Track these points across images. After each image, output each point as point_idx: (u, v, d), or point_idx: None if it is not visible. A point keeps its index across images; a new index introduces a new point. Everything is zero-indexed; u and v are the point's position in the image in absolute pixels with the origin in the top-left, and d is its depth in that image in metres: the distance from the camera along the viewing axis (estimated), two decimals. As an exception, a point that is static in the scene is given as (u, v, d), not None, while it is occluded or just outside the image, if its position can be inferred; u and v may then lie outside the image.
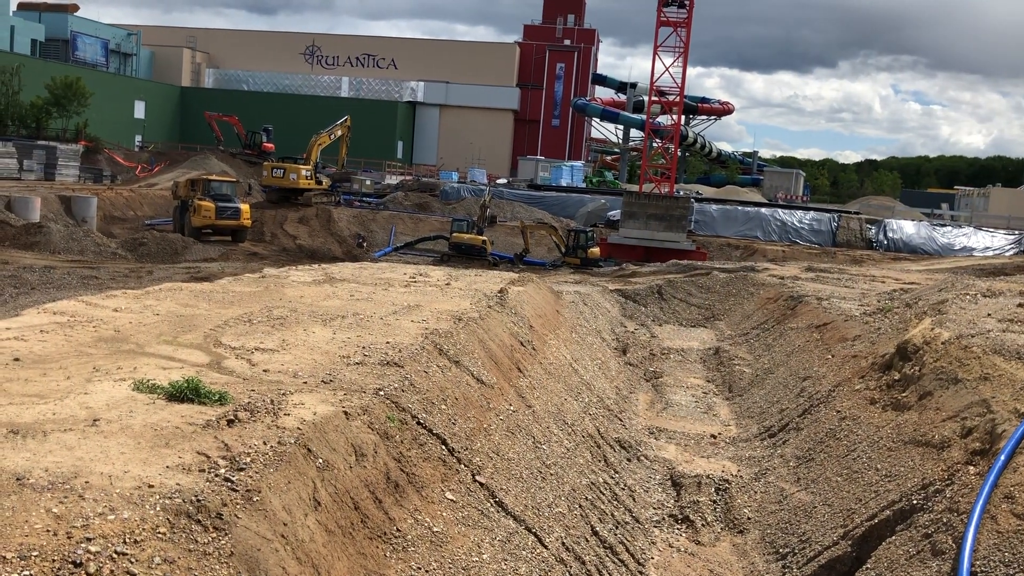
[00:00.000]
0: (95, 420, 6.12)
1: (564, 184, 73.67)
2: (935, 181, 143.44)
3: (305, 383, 8.00)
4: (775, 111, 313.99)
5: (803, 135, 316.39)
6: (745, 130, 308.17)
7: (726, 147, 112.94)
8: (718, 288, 27.56)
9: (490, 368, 11.05)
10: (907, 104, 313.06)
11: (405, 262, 37.06)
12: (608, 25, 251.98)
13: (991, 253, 51.08)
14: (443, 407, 8.73)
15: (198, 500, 4.95)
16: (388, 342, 10.17)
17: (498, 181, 75.00)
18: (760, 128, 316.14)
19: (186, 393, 6.79)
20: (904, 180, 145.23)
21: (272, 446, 5.97)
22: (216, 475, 5.35)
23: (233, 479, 5.35)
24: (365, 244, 44.94)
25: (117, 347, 8.68)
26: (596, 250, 41.72)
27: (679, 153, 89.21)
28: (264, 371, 8.33)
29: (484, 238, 40.52)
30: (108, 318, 10.21)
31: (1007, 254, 50.17)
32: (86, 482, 4.95)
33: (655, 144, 61.25)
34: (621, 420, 14.12)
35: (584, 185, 76.41)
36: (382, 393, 7.98)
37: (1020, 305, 13.49)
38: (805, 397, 13.89)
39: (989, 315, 12.70)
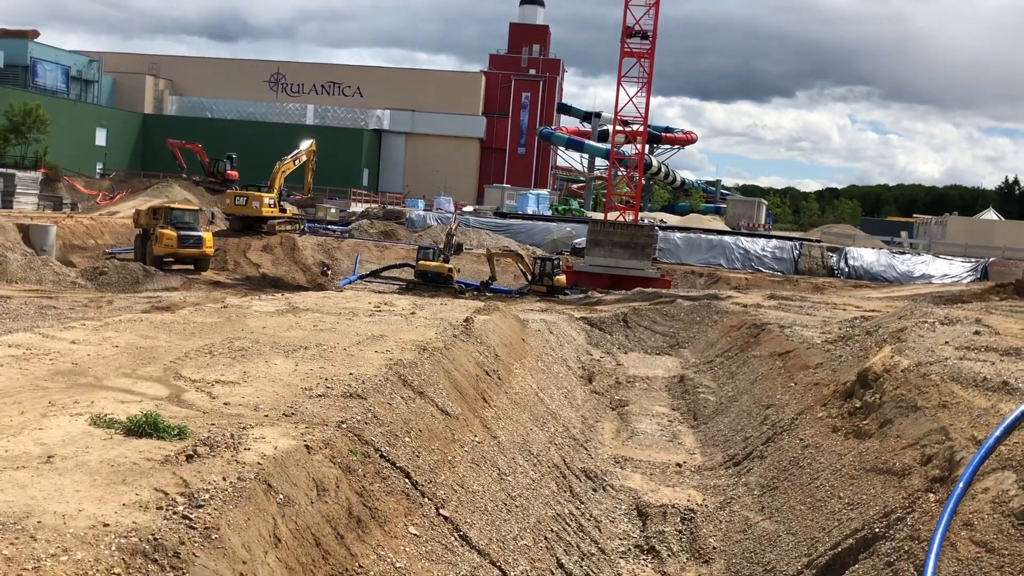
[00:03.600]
0: (49, 457, 5.99)
1: (530, 212, 73.96)
2: (894, 209, 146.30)
3: (266, 416, 7.91)
4: (736, 140, 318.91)
5: (764, 163, 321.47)
6: (707, 158, 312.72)
7: (689, 176, 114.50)
8: (682, 316, 27.73)
9: (455, 399, 11.01)
10: (864, 133, 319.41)
11: (370, 291, 36.83)
12: (572, 55, 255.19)
13: (949, 280, 52.08)
14: (407, 439, 8.67)
15: (155, 539, 4.85)
16: (352, 373, 10.10)
17: (464, 209, 75.13)
18: (722, 157, 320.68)
19: (144, 428, 6.68)
20: (864, 208, 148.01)
21: (232, 482, 5.89)
22: (174, 512, 5.26)
23: (191, 516, 5.26)
24: (330, 272, 44.66)
25: (74, 380, 8.52)
26: (562, 278, 41.83)
27: (643, 182, 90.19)
28: (225, 404, 8.23)
29: (450, 266, 40.46)
30: (66, 350, 10.03)
31: (964, 281, 51.19)
32: (38, 522, 4.83)
33: (620, 173, 61.87)
34: (587, 449, 14.10)
35: (550, 213, 76.77)
36: (345, 426, 7.92)
37: (976, 333, 13.76)
38: (769, 425, 13.99)
39: (947, 343, 12.94)
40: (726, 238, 58.34)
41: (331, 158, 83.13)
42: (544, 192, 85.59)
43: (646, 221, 65.32)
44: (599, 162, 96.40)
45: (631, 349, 25.27)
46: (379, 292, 34.46)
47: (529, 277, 42.13)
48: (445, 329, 14.99)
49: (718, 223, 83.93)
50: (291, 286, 38.54)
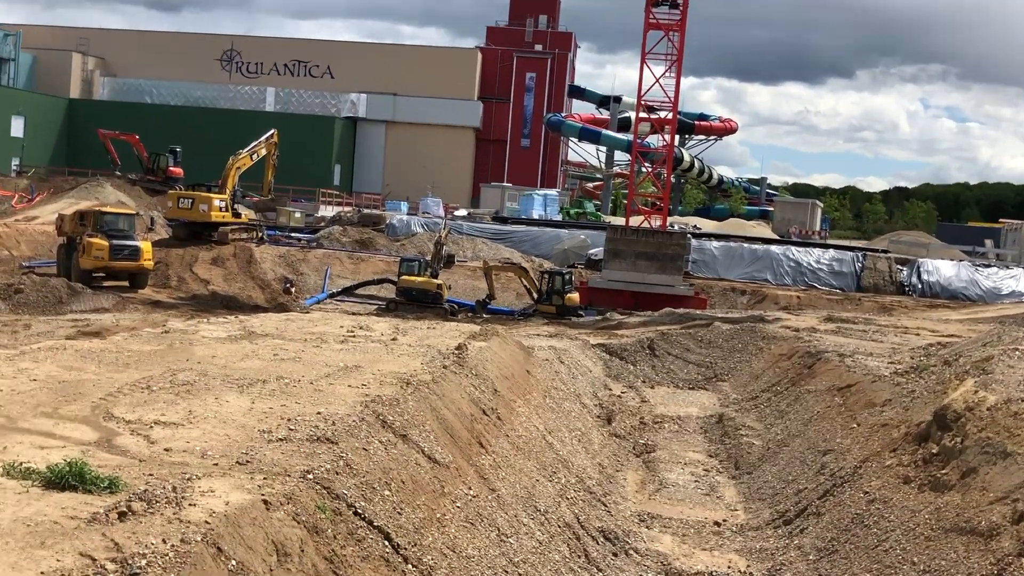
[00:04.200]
0: (-48, 515, 5.98)
1: (536, 216, 74.10)
2: (976, 213, 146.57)
3: (216, 465, 7.91)
4: (784, 129, 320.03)
5: (818, 158, 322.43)
6: (750, 152, 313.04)
7: (728, 173, 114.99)
8: (721, 342, 27.77)
9: (445, 443, 11.01)
10: (939, 121, 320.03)
11: (343, 312, 36.92)
12: (586, 28, 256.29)
13: (1044, 298, 52.12)
14: (386, 493, 8.66)
15: (80, 615, 4.84)
16: (319, 413, 10.12)
17: (456, 213, 75.27)
18: (767, 150, 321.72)
19: (68, 479, 6.67)
20: (940, 211, 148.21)
21: (173, 545, 5.88)
22: (103, 583, 5.25)
23: (124, 588, 5.25)
24: (294, 290, 44.71)
25: (-18, 422, 8.52)
26: (575, 296, 41.92)
27: (673, 180, 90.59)
28: (166, 450, 8.23)
29: (439, 282, 40.53)
30: (-28, 385, 10.04)
31: (1063, 300, 51.20)
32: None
33: (644, 169, 62.07)
34: (605, 505, 14.08)
35: (560, 218, 76.90)
36: (311, 477, 7.91)
37: (1078, 362, 13.76)
38: (826, 475, 13.97)
39: (1042, 374, 12.93)
40: (773, 248, 58.48)
41: (296, 152, 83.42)
42: (553, 193, 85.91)
43: (676, 227, 65.40)
44: (619, 156, 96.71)
45: (659, 382, 25.25)
46: (353, 314, 34.54)
47: (535, 295, 42.22)
48: (433, 359, 14.99)
49: (763, 230, 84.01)
50: (247, 306, 38.58)
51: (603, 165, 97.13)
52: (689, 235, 55.55)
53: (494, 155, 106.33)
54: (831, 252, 58.70)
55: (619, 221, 68.20)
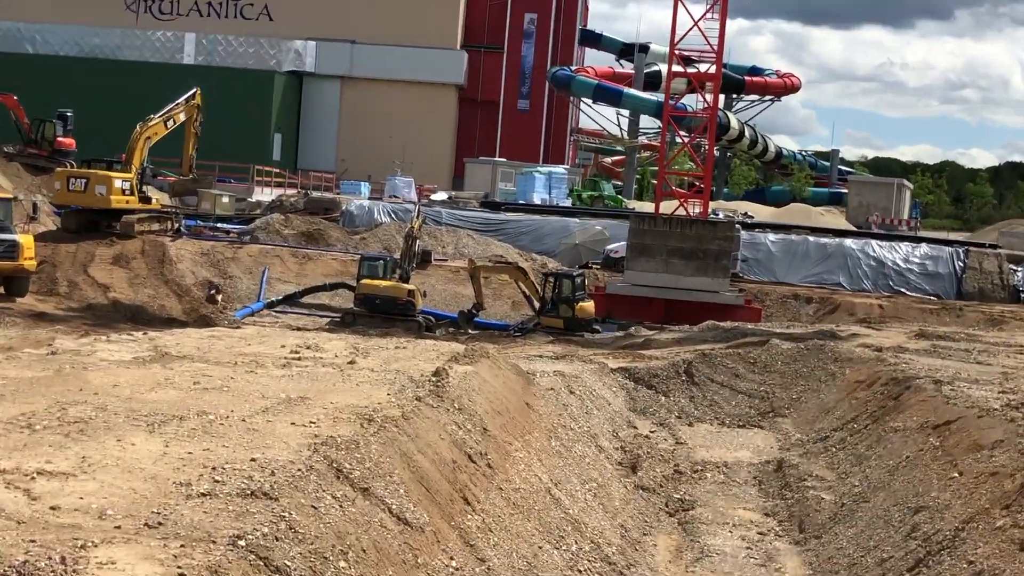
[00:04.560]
0: None
1: (538, 202, 74.14)
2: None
3: (118, 528, 7.87)
4: (861, 87, 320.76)
5: (906, 125, 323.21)
6: (816, 117, 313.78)
7: (789, 144, 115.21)
8: (780, 366, 27.81)
9: (419, 499, 11.01)
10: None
11: (285, 326, 36.87)
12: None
13: None
14: (342, 565, 8.63)
15: None
16: (254, 459, 10.11)
17: (434, 197, 75.29)
18: (840, 114, 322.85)
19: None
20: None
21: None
22: None
23: None
24: (220, 298, 44.61)
25: None
26: (589, 305, 41.94)
27: (717, 153, 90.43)
28: (52, 509, 8.18)
29: (411, 287, 40.54)
30: None
31: None
32: None
33: (679, 139, 62.13)
34: (629, 579, 14.06)
35: (569, 203, 76.97)
36: (243, 544, 7.88)
37: None
38: (919, 539, 13.96)
39: None
40: (848, 242, 58.57)
41: (225, 118, 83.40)
42: (560, 170, 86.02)
43: (721, 216, 65.43)
44: (645, 122, 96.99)
45: (699, 418, 25.25)
46: (298, 329, 34.44)
47: (536, 304, 42.23)
48: (403, 388, 14.95)
49: (835, 218, 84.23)
50: (159, 320, 38.55)
51: (625, 134, 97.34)
52: (738, 226, 55.56)
53: (483, 121, 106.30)
54: (923, 248, 58.76)
55: (646, 208, 68.15)
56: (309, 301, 45.40)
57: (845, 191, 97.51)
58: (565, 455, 17.65)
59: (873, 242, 58.91)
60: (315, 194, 70.49)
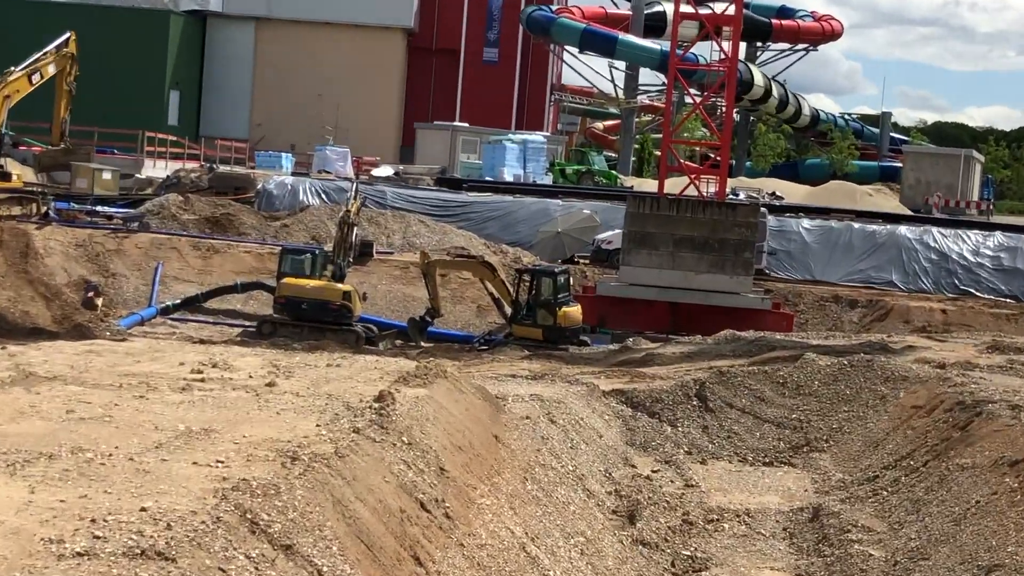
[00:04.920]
0: None
1: (510, 179, 73.98)
2: None
3: (-30, 599, 7.82)
4: (919, 34, 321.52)
5: (976, 81, 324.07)
6: (861, 70, 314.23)
7: (828, 106, 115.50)
8: (817, 387, 27.87)
9: (358, 559, 11.00)
10: None
11: (183, 339, 36.69)
12: None
13: None
14: (259, 643, 8.60)
15: None
16: (145, 509, 10.05)
17: (376, 172, 75.05)
18: (892, 68, 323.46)
19: None
20: None
21: None
22: None
23: None
24: (101, 301, 44.38)
25: None
26: (575, 311, 41.93)
27: (737, 117, 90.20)
28: None
29: (348, 287, 40.44)
30: None
31: None
32: None
33: (689, 100, 62.15)
34: (626, 660, 14.06)
35: (550, 180, 76.86)
36: (132, 618, 7.84)
37: None
38: (993, 607, 14.00)
39: None
40: (903, 230, 58.71)
41: (107, 71, 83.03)
42: (537, 138, 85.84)
43: (743, 196, 65.39)
44: (647, 77, 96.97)
45: (714, 454, 25.31)
46: (201, 342, 34.28)
47: (508, 309, 42.20)
48: (337, 417, 14.92)
49: (886, 199, 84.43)
50: (21, 329, 38.25)
51: (620, 93, 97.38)
52: (764, 209, 55.58)
53: (439, 76, 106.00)
54: (998, 236, 58.93)
55: (648, 186, 68.18)
56: (216, 306, 45.21)
57: (899, 165, 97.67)
58: (544, 502, 17.63)
59: (934, 230, 59.00)
60: (223, 169, 69.97)
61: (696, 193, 49.56)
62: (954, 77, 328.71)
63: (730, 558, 18.92)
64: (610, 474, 21.82)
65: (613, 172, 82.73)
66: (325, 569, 10.30)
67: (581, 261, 55.32)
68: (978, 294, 54.88)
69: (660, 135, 68.09)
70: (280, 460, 12.18)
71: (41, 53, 52.38)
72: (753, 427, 26.63)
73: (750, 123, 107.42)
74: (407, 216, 58.04)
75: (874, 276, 55.94)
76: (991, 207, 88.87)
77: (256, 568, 9.48)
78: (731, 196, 56.96)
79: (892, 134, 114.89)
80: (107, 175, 63.49)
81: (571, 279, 44.44)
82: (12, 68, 50.85)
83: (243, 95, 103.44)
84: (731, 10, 51.26)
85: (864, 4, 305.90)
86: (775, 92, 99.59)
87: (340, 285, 40.33)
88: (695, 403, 27.24)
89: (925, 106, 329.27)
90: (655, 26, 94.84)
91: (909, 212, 74.54)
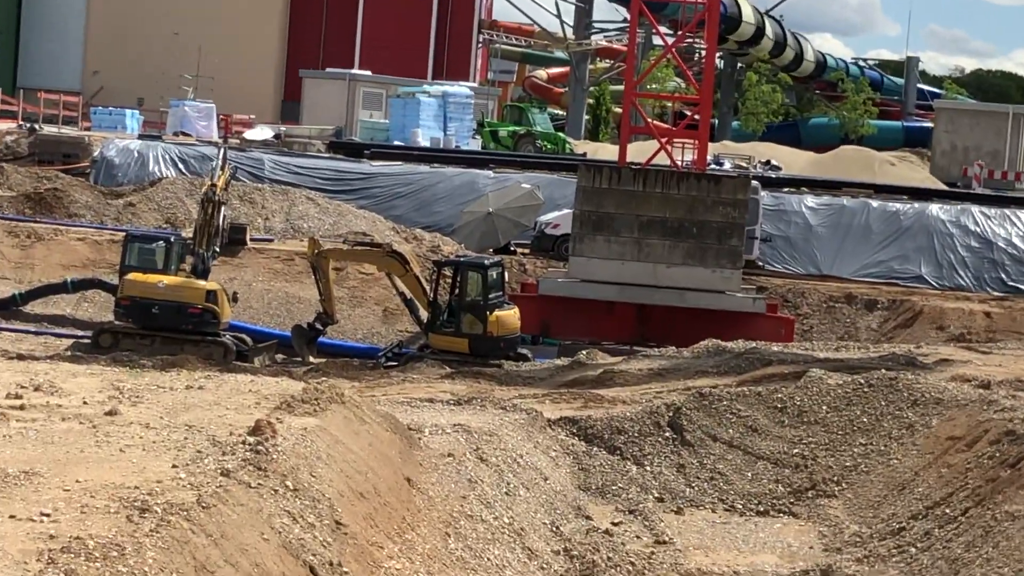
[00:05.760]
0: None
1: (425, 143, 73.92)
2: None
3: None
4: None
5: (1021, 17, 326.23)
6: (880, 5, 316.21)
7: (837, 49, 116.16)
8: (825, 413, 27.87)
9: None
10: None
11: (-2, 353, 36.41)
12: None
13: None
14: None
15: None
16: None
17: (250, 135, 74.85)
18: (918, 1, 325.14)
19: None
20: None
21: None
22: None
23: None
24: None
25: None
26: (511, 315, 41.99)
27: (720, 64, 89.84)
28: None
29: (213, 285, 40.32)
30: None
31: None
32: None
33: (658, 41, 62.29)
34: None
35: (478, 145, 76.80)
36: None
37: None
38: None
39: None
40: (934, 209, 59.04)
41: None
42: (462, 90, 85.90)
43: (728, 166, 65.60)
44: (602, 11, 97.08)
45: (693, 500, 25.32)
46: (20, 357, 33.98)
47: (423, 314, 42.23)
48: (200, 456, 14.84)
49: (912, 170, 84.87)
50: None
51: (570, 32, 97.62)
52: (756, 183, 55.72)
53: (332, 10, 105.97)
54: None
55: (605, 153, 68.26)
56: (39, 311, 44.98)
57: (929, 125, 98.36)
58: (472, 564, 17.64)
59: (974, 209, 59.39)
60: (48, 129, 69.70)
61: (668, 162, 49.75)
62: (998, 12, 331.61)
63: (714, 637, 18.98)
64: (558, 528, 21.79)
65: (560, 135, 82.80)
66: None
67: (519, 250, 55.40)
68: (1027, 291, 55.24)
69: (621, 87, 68.32)
70: (125, 512, 12.07)
71: None
72: (743, 466, 26.60)
73: (738, 71, 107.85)
74: (291, 192, 57.92)
75: (898, 269, 56.25)
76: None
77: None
78: (713, 166, 57.22)
79: (920, 86, 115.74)
80: None
81: (506, 274, 44.46)
82: None
83: (74, 35, 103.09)
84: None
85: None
86: (769, 31, 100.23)
87: (203, 283, 40.19)
88: (668, 435, 27.19)
89: (961, 50, 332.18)
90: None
91: (942, 186, 74.96)
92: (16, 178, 56.71)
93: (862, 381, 28.93)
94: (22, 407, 17.42)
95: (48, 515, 11.95)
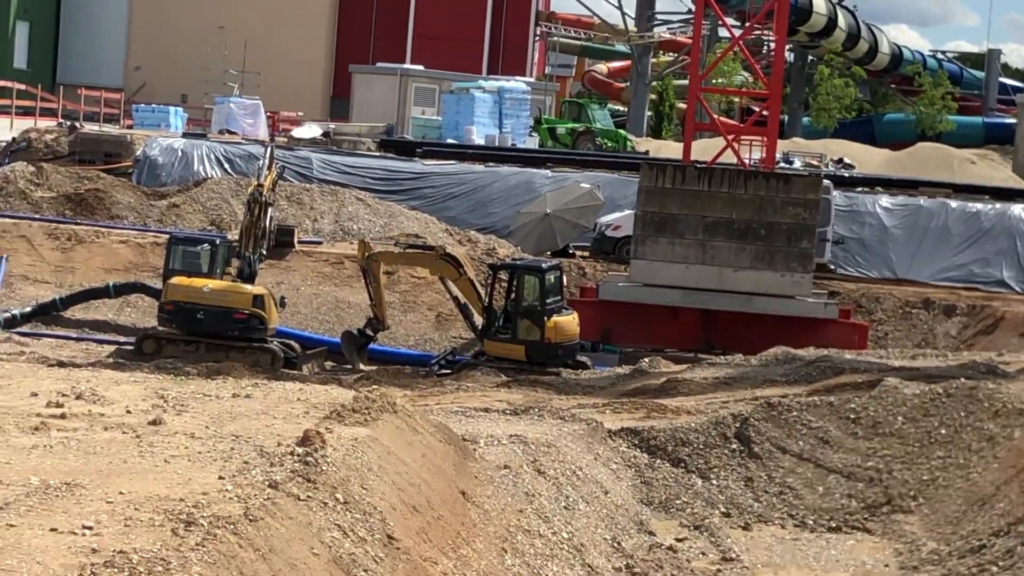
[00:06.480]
0: None
1: (480, 141, 73.81)
2: None
3: None
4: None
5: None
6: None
7: (913, 40, 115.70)
8: (900, 425, 27.74)
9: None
10: None
11: (36, 360, 36.56)
12: None
13: None
14: None
15: None
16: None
17: (297, 133, 74.90)
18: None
19: None
20: None
21: None
22: None
23: None
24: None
25: None
26: (569, 321, 41.91)
27: (790, 57, 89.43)
28: None
29: (260, 290, 40.36)
30: None
31: None
32: None
33: (724, 33, 62.17)
34: None
35: (536, 143, 76.74)
36: None
37: None
38: None
39: None
40: (1015, 209, 58.63)
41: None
42: (519, 86, 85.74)
43: (798, 164, 65.35)
44: (666, 1, 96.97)
45: (761, 516, 25.26)
46: (61, 364, 34.09)
47: (478, 320, 42.17)
48: (247, 467, 14.88)
49: (994, 169, 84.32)
50: None
51: (631, 24, 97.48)
52: (828, 183, 55.49)
53: (382, 4, 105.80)
54: None
55: (669, 151, 68.17)
56: (80, 316, 45.08)
57: (1012, 121, 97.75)
58: (529, 579, 17.62)
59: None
60: (89, 128, 69.79)
61: (735, 160, 49.62)
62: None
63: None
64: (619, 544, 21.77)
65: (621, 132, 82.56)
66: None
67: (578, 253, 55.31)
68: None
69: (685, 82, 68.18)
70: (170, 525, 12.08)
71: None
72: (814, 479, 26.51)
73: (808, 65, 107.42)
74: (340, 192, 57.87)
75: (978, 273, 55.92)
76: None
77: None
78: (783, 164, 57.02)
79: (1001, 79, 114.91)
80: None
81: (564, 278, 44.39)
82: None
83: (116, 28, 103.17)
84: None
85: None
86: (842, 22, 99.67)
87: (249, 287, 40.22)
88: (735, 446, 27.13)
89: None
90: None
91: (1028, 186, 74.53)
92: (56, 178, 56.79)
93: (940, 391, 28.74)
94: (63, 416, 17.46)
95: (90, 528, 11.95)
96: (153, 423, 17.33)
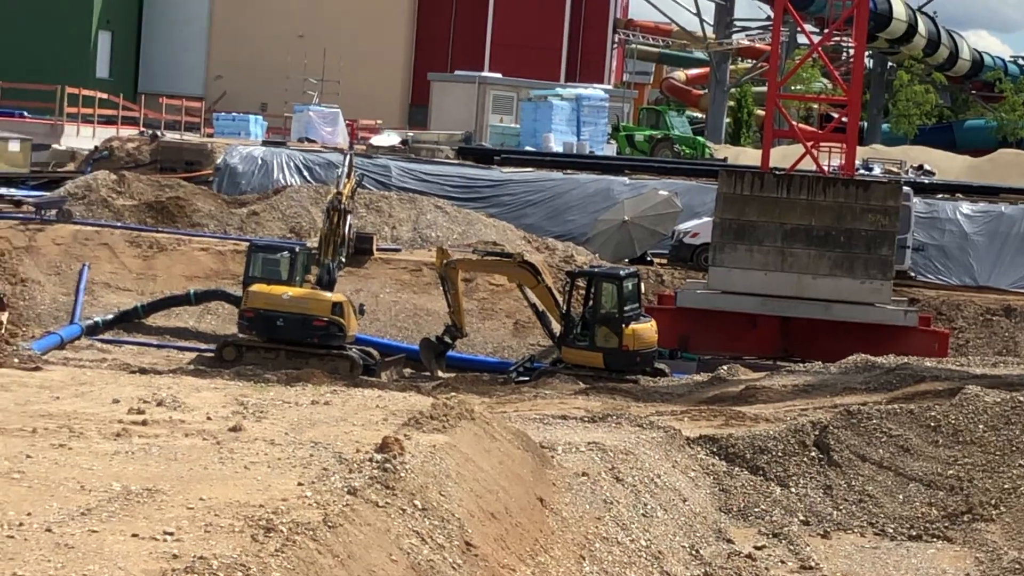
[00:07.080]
0: None
1: (558, 149, 73.71)
2: None
3: None
4: None
5: None
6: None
7: (994, 46, 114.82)
8: (982, 432, 27.57)
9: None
10: None
11: (118, 367, 36.75)
12: None
13: None
14: None
15: None
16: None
17: (376, 141, 74.96)
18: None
19: None
20: None
21: None
22: None
23: None
24: (6, 316, 44.66)
25: None
26: (648, 328, 41.83)
27: (870, 63, 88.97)
28: None
29: (339, 297, 40.43)
30: None
31: None
32: None
33: (803, 40, 61.92)
34: None
35: (613, 150, 76.57)
36: None
37: None
38: None
39: None
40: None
41: (11, 6, 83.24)
42: (596, 93, 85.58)
43: (878, 171, 64.98)
44: (744, 8, 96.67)
45: (841, 524, 25.15)
46: (143, 371, 34.23)
47: (556, 327, 42.13)
48: (326, 473, 14.90)
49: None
50: None
51: (710, 31, 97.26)
52: (908, 189, 55.21)
53: (462, 11, 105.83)
54: None
55: (747, 158, 67.99)
56: (161, 323, 45.22)
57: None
58: (607, 589, 17.59)
59: None
60: (170, 137, 70.03)
61: (814, 167, 49.41)
62: None
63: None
64: (698, 551, 21.74)
65: (699, 139, 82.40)
66: None
67: (656, 260, 55.19)
68: None
69: (764, 88, 67.95)
70: (250, 531, 12.15)
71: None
72: (894, 488, 26.38)
73: (888, 71, 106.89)
74: (419, 200, 57.89)
75: (1061, 281, 55.59)
76: None
77: None
78: (862, 171, 56.74)
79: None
80: (14, 146, 63.69)
81: (642, 285, 44.29)
82: None
83: (197, 38, 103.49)
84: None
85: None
86: (922, 28, 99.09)
87: (328, 294, 40.30)
88: (814, 454, 27.04)
89: None
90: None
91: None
92: (138, 186, 56.95)
93: (1022, 399, 28.61)
94: (144, 423, 17.55)
95: (171, 534, 12.03)
96: (233, 430, 17.41)
